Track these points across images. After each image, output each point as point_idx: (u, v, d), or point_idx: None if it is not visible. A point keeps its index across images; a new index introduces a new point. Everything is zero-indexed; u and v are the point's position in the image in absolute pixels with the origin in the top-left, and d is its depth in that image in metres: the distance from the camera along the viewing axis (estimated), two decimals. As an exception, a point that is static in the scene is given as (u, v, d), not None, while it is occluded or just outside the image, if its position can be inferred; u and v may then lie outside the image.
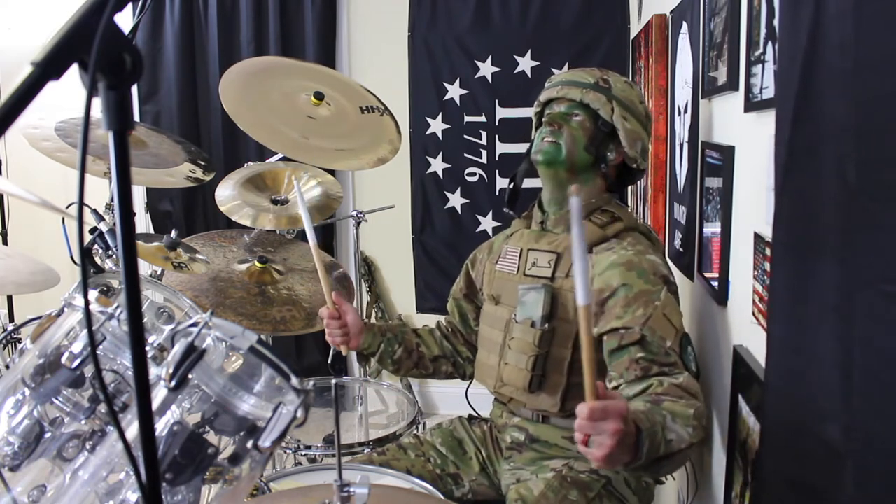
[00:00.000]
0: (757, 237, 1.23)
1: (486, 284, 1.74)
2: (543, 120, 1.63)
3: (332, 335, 1.71)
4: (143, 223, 3.90)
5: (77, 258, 1.09)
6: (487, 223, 3.67)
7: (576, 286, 0.93)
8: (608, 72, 1.63)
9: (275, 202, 2.43)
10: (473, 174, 3.66)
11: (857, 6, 0.75)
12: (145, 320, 0.92)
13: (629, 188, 3.30)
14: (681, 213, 1.94)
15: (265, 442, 0.80)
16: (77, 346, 0.91)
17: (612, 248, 1.52)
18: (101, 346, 0.90)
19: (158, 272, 2.25)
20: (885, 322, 0.74)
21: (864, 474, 0.77)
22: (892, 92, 0.73)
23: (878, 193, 0.75)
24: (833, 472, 0.80)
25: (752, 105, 1.26)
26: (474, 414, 1.83)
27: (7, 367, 2.07)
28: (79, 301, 0.96)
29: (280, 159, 2.52)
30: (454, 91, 3.62)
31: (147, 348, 0.67)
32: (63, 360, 0.90)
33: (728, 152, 1.42)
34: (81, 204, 0.54)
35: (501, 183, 3.64)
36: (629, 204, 3.22)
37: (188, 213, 3.91)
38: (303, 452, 1.98)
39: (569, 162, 1.58)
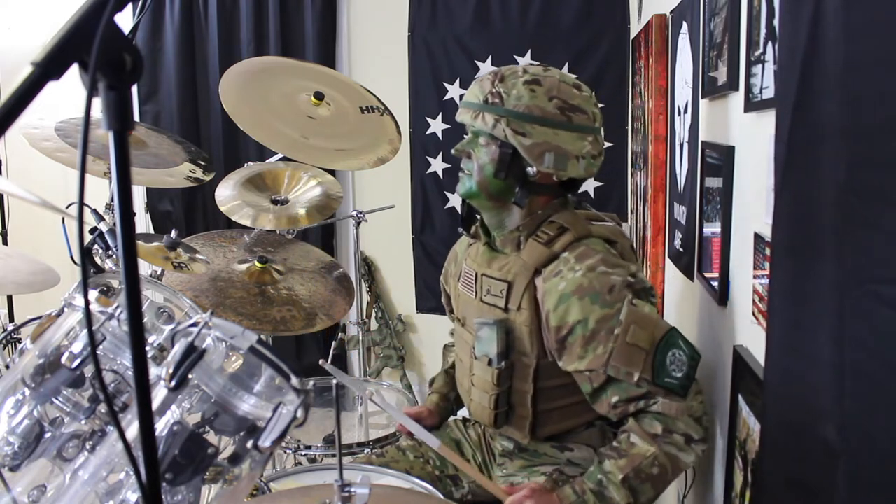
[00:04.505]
0: (757, 237, 1.23)
1: (453, 301, 1.71)
2: (452, 152, 1.54)
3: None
4: (143, 223, 3.91)
5: (77, 258, 1.09)
6: (487, 223, 3.67)
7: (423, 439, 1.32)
8: (508, 76, 1.44)
9: (275, 202, 2.43)
10: (473, 174, 3.66)
11: (854, 7, 0.75)
12: (145, 320, 0.92)
13: (629, 188, 3.30)
14: (681, 213, 1.94)
15: (265, 442, 0.80)
16: (77, 346, 0.91)
17: (559, 271, 1.41)
18: (101, 346, 0.90)
19: (158, 272, 2.25)
20: (879, 323, 0.74)
21: (859, 474, 0.77)
22: (888, 92, 0.73)
23: (873, 194, 0.75)
24: (830, 472, 0.80)
25: (752, 105, 1.26)
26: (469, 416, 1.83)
27: (7, 367, 2.07)
28: (79, 301, 0.96)
29: (280, 159, 2.52)
30: (454, 91, 3.62)
31: (147, 348, 0.67)
32: (63, 360, 0.90)
33: (728, 152, 1.42)
34: (81, 204, 0.54)
35: (501, 183, 3.64)
36: (629, 204, 3.22)
37: (188, 213, 3.92)
38: (303, 452, 1.98)
39: (483, 192, 1.48)
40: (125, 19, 2.97)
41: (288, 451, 2.03)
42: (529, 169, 1.44)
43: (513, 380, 1.49)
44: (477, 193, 1.49)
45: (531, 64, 1.50)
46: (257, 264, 2.31)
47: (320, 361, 1.54)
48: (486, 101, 1.44)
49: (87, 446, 0.87)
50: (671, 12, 2.16)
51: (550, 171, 1.43)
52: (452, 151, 1.54)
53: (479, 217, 1.60)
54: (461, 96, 3.61)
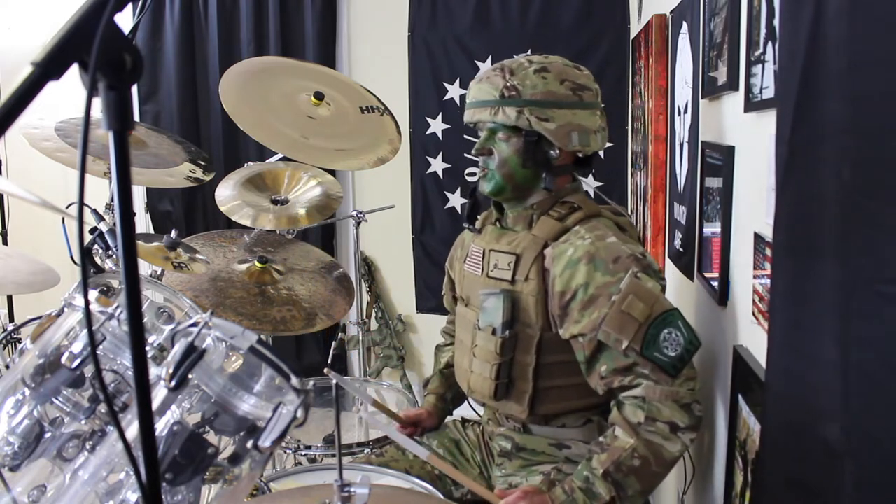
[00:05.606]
0: (757, 237, 1.23)
1: (457, 284, 1.72)
2: (472, 153, 1.57)
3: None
4: (143, 223, 3.91)
5: (77, 258, 1.09)
6: (487, 223, 3.67)
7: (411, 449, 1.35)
8: (516, 69, 1.49)
9: (275, 202, 2.43)
10: (473, 174, 3.66)
11: (854, 6, 0.75)
12: (145, 320, 0.92)
13: (629, 188, 3.30)
14: (681, 213, 1.94)
15: (265, 442, 0.80)
16: (77, 346, 0.91)
17: (569, 240, 1.46)
18: (101, 346, 0.90)
19: (158, 272, 2.25)
20: (883, 323, 0.74)
21: (863, 475, 0.77)
22: (889, 91, 0.73)
23: (875, 193, 0.75)
24: (832, 473, 0.80)
25: (752, 105, 1.26)
26: (468, 417, 1.83)
27: (7, 367, 2.07)
28: (79, 301, 0.96)
29: (280, 159, 2.52)
30: (454, 91, 3.62)
31: (147, 348, 0.67)
32: (63, 360, 0.90)
33: (728, 152, 1.42)
34: (81, 204, 0.54)
35: (501, 183, 3.64)
36: (629, 204, 3.22)
37: (188, 213, 3.92)
38: (303, 452, 1.98)
39: (510, 185, 1.52)
40: (125, 19, 2.98)
41: (288, 451, 2.03)
42: (552, 152, 1.50)
43: (515, 352, 1.50)
44: (504, 187, 1.53)
45: (528, 55, 1.53)
46: (257, 264, 2.31)
47: (325, 370, 1.56)
48: (503, 95, 1.47)
49: (87, 446, 0.87)
50: (671, 12, 2.16)
51: (577, 148, 1.49)
52: (473, 151, 1.57)
53: (488, 208, 1.65)
54: (462, 96, 3.61)
